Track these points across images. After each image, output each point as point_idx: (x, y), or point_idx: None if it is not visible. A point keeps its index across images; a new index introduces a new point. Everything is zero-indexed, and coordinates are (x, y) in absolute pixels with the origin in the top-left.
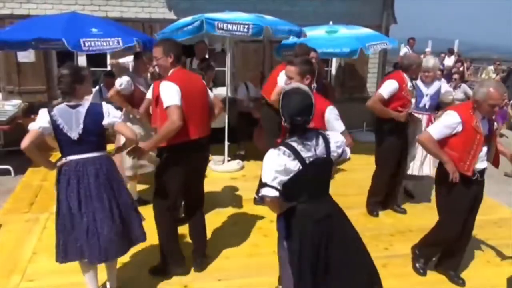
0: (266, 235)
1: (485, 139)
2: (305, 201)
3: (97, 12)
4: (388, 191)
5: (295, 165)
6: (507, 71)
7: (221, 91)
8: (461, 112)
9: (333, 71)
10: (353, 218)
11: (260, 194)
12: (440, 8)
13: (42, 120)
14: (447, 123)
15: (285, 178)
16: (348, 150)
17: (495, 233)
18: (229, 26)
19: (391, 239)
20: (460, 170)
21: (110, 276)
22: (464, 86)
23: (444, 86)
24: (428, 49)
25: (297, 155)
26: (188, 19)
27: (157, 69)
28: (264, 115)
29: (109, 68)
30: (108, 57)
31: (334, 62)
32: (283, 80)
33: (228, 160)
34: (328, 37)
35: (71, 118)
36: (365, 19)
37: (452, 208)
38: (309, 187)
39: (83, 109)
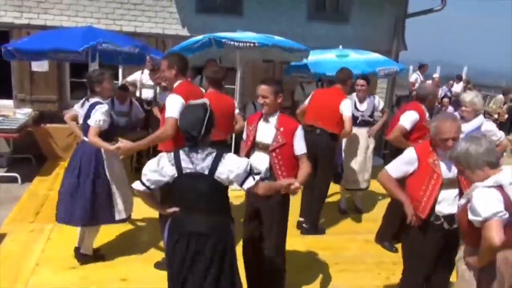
0: None
1: (449, 181)
2: (182, 212)
3: (111, 26)
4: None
5: (171, 171)
6: None
7: None
8: (418, 148)
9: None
10: (356, 243)
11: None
12: (449, 32)
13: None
14: (404, 159)
15: (157, 178)
16: (248, 182)
17: None
18: (236, 44)
19: (394, 267)
20: (415, 211)
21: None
22: None
23: (486, 124)
24: (436, 75)
25: (177, 162)
26: (199, 37)
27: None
28: (323, 144)
29: (121, 79)
30: (120, 70)
31: None
32: (349, 109)
33: None
34: (339, 60)
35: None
36: (376, 44)
37: (411, 257)
38: (185, 198)
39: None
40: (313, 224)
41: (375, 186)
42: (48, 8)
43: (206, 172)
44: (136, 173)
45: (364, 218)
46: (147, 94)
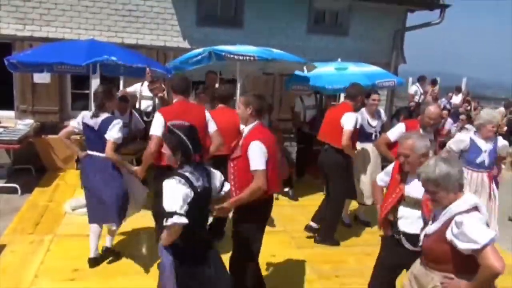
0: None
1: (413, 200)
2: (199, 229)
3: (113, 38)
4: None
5: (190, 193)
6: None
7: None
8: (397, 162)
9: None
10: (355, 256)
11: (169, 223)
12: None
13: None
14: (385, 170)
15: (186, 205)
16: (227, 186)
17: (499, 280)
18: (236, 57)
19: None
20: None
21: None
22: (471, 127)
23: (500, 140)
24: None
25: (190, 184)
26: (199, 50)
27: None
28: (330, 159)
29: (121, 92)
30: (122, 82)
31: (342, 98)
32: (350, 123)
33: None
34: (338, 73)
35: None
36: (375, 57)
37: (376, 263)
38: (199, 214)
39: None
40: (325, 236)
41: None
42: (51, 21)
43: (207, 185)
44: None
45: (361, 230)
46: (147, 105)
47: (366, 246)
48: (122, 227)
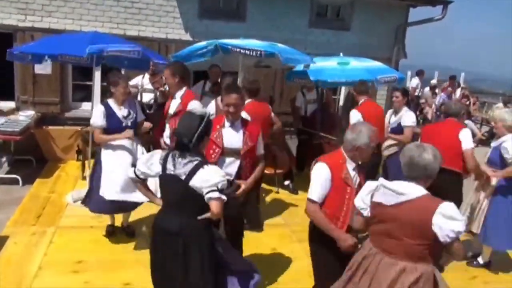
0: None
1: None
2: (163, 208)
3: (115, 29)
4: None
5: (158, 168)
6: None
7: None
8: (329, 162)
9: (341, 101)
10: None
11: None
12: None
13: None
14: (320, 177)
15: (145, 170)
16: (215, 205)
17: (497, 276)
18: (242, 51)
19: None
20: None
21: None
22: (470, 123)
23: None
24: (434, 81)
25: (164, 162)
26: (203, 43)
27: (166, 87)
28: None
29: None
30: (123, 72)
31: (343, 92)
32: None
33: None
34: (340, 68)
35: None
36: (376, 52)
37: (324, 272)
38: (164, 196)
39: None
40: None
41: None
42: (52, 11)
43: (183, 177)
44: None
45: None
46: (148, 98)
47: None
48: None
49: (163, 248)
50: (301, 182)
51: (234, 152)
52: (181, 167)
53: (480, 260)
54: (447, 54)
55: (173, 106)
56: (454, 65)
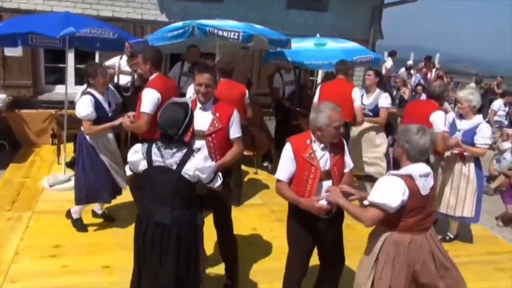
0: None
1: (326, 174)
2: (150, 201)
3: (88, 10)
4: None
5: (143, 164)
6: (484, 90)
7: None
8: (293, 142)
9: (319, 82)
10: None
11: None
12: (424, 17)
13: None
14: (284, 159)
15: (134, 168)
16: (215, 183)
17: (467, 249)
18: (220, 33)
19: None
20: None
21: None
22: (444, 104)
23: (484, 128)
24: (410, 61)
25: (148, 155)
26: (179, 23)
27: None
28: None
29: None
30: (97, 55)
31: (320, 73)
32: (359, 97)
33: None
34: (317, 49)
35: None
36: (353, 33)
37: (293, 247)
38: (153, 189)
39: None
40: None
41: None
42: None
43: (174, 167)
44: None
45: None
46: (125, 80)
47: (346, 219)
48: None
49: (154, 241)
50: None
51: (201, 135)
52: (169, 157)
53: (450, 234)
54: (423, 35)
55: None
56: (430, 45)
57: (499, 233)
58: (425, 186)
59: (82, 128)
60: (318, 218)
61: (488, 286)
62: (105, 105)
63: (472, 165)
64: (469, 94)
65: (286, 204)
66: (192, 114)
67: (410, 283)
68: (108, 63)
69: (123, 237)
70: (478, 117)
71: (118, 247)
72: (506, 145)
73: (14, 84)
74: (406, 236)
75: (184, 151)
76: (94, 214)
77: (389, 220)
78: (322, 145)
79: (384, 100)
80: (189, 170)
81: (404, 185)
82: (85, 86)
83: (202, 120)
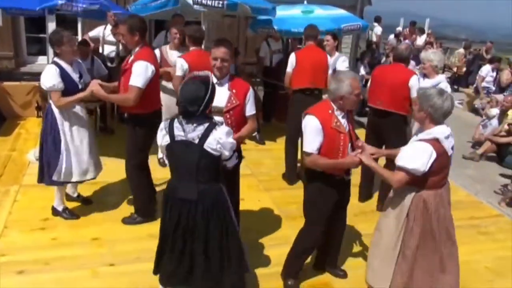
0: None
1: (350, 137)
2: (175, 178)
3: None
4: None
5: (166, 140)
6: (473, 55)
7: None
8: (318, 114)
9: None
10: None
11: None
12: None
13: None
14: (312, 129)
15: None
16: (231, 162)
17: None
18: (204, 1)
19: (355, 219)
20: (334, 173)
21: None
22: None
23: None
24: (399, 28)
25: (170, 130)
26: None
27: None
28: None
29: (80, 34)
30: (79, 24)
31: None
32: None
33: None
34: (304, 17)
35: None
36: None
37: (320, 211)
38: (177, 165)
39: None
40: None
41: None
42: None
43: (196, 141)
44: (101, 132)
45: None
46: (110, 50)
47: None
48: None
49: (180, 217)
50: (268, 132)
51: (218, 111)
52: (192, 131)
53: None
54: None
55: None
56: (420, 11)
57: (484, 198)
58: (450, 144)
59: (50, 100)
60: (342, 181)
61: (471, 249)
62: (74, 76)
63: None
64: (431, 54)
65: (273, 174)
66: (213, 89)
67: (432, 238)
68: (92, 33)
69: (113, 210)
70: (440, 76)
71: (107, 219)
72: (493, 111)
73: None
74: (431, 192)
75: (206, 124)
76: (69, 197)
77: (416, 180)
78: (342, 113)
79: (342, 64)
80: (211, 143)
81: (432, 149)
82: None
83: (219, 96)
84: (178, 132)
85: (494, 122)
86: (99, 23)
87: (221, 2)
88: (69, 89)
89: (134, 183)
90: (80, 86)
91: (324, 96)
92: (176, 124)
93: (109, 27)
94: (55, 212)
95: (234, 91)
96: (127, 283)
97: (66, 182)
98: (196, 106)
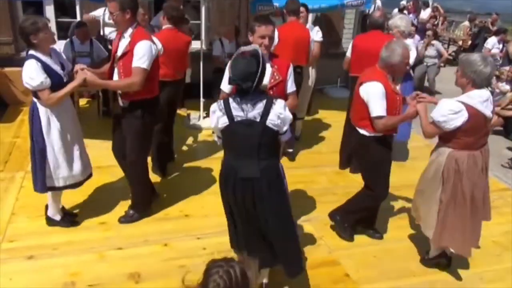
0: None
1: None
2: (233, 158)
3: None
4: None
5: (223, 121)
6: (478, 28)
7: (196, 45)
8: (381, 80)
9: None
10: (326, 176)
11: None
12: None
13: None
14: (379, 94)
15: (218, 128)
16: (286, 136)
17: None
18: None
19: None
20: (390, 133)
21: None
22: (437, 43)
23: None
24: (403, 2)
25: (228, 111)
26: None
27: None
28: None
29: (79, 18)
30: (78, 6)
31: (310, 17)
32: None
33: (204, 117)
34: None
35: None
36: None
37: (383, 170)
38: (236, 144)
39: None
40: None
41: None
42: None
43: (258, 119)
44: (104, 116)
45: (330, 150)
46: (110, 31)
47: (335, 166)
48: None
49: (245, 195)
50: None
51: (262, 88)
52: (251, 110)
53: None
54: None
55: (122, 46)
56: None
57: (490, 172)
58: (487, 108)
59: (33, 99)
60: (392, 139)
61: None
62: (56, 68)
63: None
64: (398, 19)
65: None
66: (264, 62)
67: (465, 197)
68: (93, 13)
69: (121, 194)
70: (408, 41)
71: (113, 203)
72: (506, 86)
73: None
74: (464, 153)
75: (265, 101)
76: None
77: (449, 137)
78: (391, 78)
79: (317, 34)
80: (273, 119)
81: (463, 108)
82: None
83: None
84: (237, 113)
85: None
86: (98, 5)
87: None
88: (54, 84)
89: (136, 180)
90: (65, 79)
91: (311, 71)
92: (233, 104)
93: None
94: (51, 222)
95: (276, 67)
96: (135, 266)
97: (62, 188)
98: (249, 82)
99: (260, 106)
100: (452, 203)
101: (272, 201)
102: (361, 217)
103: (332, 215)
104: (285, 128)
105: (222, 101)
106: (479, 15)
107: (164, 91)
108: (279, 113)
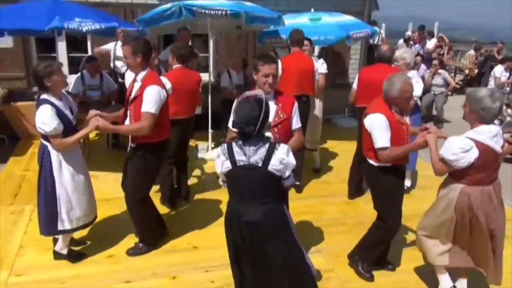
0: None
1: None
2: (237, 201)
3: None
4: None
5: (227, 166)
6: (484, 56)
7: (204, 77)
8: (383, 111)
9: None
10: (335, 206)
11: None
12: None
13: None
14: (382, 125)
15: (223, 172)
16: (289, 181)
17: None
18: (207, 12)
19: None
20: (399, 163)
21: None
22: (443, 72)
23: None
24: (408, 32)
25: (231, 155)
26: (168, 5)
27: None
28: None
29: (90, 53)
30: (89, 42)
31: (317, 49)
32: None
33: (212, 148)
34: (312, 25)
35: None
36: (347, 5)
37: (394, 201)
38: (239, 188)
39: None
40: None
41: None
42: None
43: (260, 164)
44: (113, 148)
45: (339, 180)
46: (121, 65)
47: (344, 196)
48: None
49: (252, 237)
50: None
51: (266, 126)
52: (254, 154)
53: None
54: (421, 3)
55: (134, 90)
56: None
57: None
58: (497, 143)
59: (43, 141)
60: (404, 169)
61: None
62: (67, 112)
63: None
64: (404, 52)
65: None
66: (267, 107)
67: (482, 231)
68: (105, 47)
69: (127, 226)
70: (412, 72)
71: (121, 236)
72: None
73: (7, 76)
74: (477, 189)
75: (267, 145)
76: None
77: (460, 174)
78: (397, 109)
79: (321, 66)
80: (275, 164)
81: (473, 145)
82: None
83: None
84: (240, 157)
85: None
86: (109, 39)
87: (224, 12)
88: (65, 128)
89: (137, 217)
90: (73, 122)
91: (318, 103)
92: (235, 148)
93: (119, 43)
94: (58, 256)
95: (280, 105)
96: None
97: (73, 230)
98: (252, 126)
99: (263, 151)
100: (467, 241)
101: (279, 245)
102: (377, 252)
103: (350, 256)
104: (287, 173)
105: (225, 145)
106: (484, 44)
107: (176, 129)
108: (282, 159)
